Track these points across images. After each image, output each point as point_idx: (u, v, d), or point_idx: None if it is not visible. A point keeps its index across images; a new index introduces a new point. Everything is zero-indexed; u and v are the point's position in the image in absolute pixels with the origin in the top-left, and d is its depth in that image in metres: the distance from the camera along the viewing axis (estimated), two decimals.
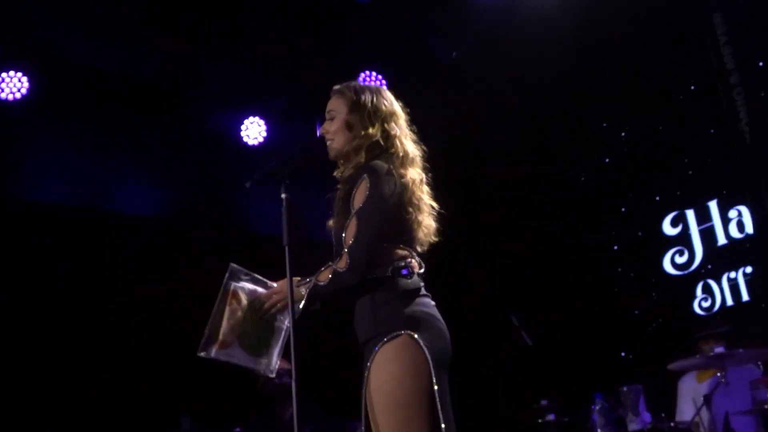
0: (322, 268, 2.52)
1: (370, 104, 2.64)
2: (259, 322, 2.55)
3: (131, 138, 5.65)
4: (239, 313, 2.53)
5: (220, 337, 2.51)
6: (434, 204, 2.67)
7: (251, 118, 6.36)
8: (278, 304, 2.59)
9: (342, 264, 2.47)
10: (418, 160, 2.68)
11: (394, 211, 2.52)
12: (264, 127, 6.38)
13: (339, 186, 2.64)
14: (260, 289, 2.61)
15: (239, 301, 2.55)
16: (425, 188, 2.65)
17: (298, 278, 2.56)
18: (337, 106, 2.69)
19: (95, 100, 5.54)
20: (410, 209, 2.56)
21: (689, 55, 5.93)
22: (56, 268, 5.19)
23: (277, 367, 2.60)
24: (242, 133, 6.34)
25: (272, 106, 6.17)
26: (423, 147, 2.72)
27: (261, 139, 6.34)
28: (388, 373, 2.39)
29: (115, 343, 5.25)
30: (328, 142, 2.68)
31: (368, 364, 2.44)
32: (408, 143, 2.67)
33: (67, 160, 5.50)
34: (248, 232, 5.95)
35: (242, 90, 6.10)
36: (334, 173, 2.71)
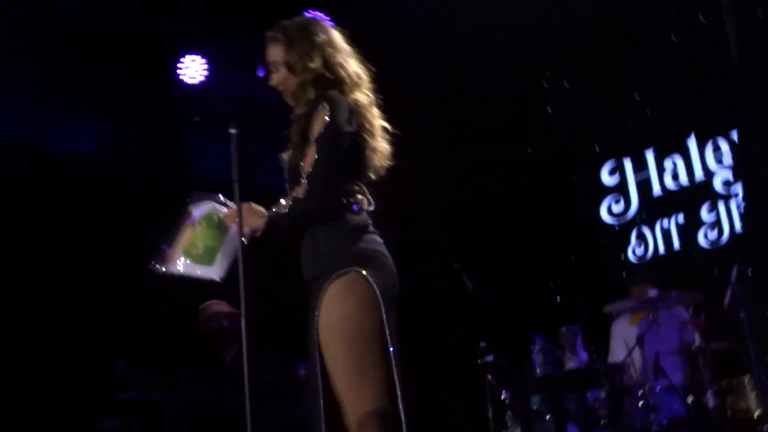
0: (281, 200, 2.51)
1: (304, 39, 2.60)
2: (210, 233, 2.56)
3: (73, 76, 5.40)
4: (189, 230, 2.56)
5: (171, 254, 2.56)
6: (386, 125, 2.64)
7: (191, 57, 6.14)
8: (234, 220, 2.55)
9: (301, 191, 2.46)
10: (366, 80, 2.64)
11: (350, 140, 2.50)
12: (205, 67, 6.17)
13: (293, 126, 2.61)
14: (220, 207, 2.61)
15: (192, 220, 2.56)
16: (375, 110, 2.62)
17: (260, 207, 2.55)
18: (275, 54, 2.65)
19: (38, 37, 5.29)
20: (364, 135, 2.55)
21: None
22: None
23: (223, 275, 2.59)
24: (180, 72, 6.12)
25: (215, 47, 5.98)
26: (369, 66, 2.67)
27: (202, 78, 6.11)
28: (338, 311, 2.41)
29: (48, 282, 5.09)
30: (282, 91, 2.67)
31: (318, 302, 2.44)
32: (352, 66, 2.63)
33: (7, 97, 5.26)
34: (194, 177, 5.78)
35: (185, 29, 5.89)
36: (291, 116, 2.67)
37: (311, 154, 2.46)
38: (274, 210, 2.52)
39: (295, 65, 2.60)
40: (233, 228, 2.54)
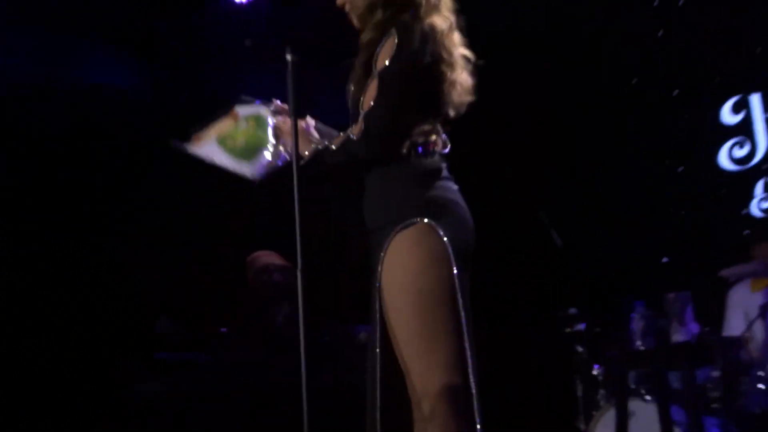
0: (340, 133, 2.51)
1: None
2: (255, 133, 2.60)
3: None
4: (230, 121, 2.59)
5: (200, 136, 2.60)
6: (468, 54, 2.58)
7: None
8: (285, 127, 2.58)
9: (356, 131, 2.46)
10: (447, 3, 2.58)
11: (425, 72, 2.46)
12: None
13: (359, 55, 2.58)
14: (272, 114, 2.65)
15: (235, 117, 2.60)
16: (456, 37, 2.56)
17: (316, 136, 2.57)
18: None
19: None
20: (442, 67, 2.49)
21: None
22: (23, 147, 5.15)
23: (256, 175, 2.62)
24: None
25: None
26: None
27: None
28: (403, 267, 2.40)
29: (84, 236, 5.24)
30: (348, 11, 2.64)
31: (381, 255, 2.43)
32: None
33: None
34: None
35: None
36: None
37: (373, 90, 2.44)
38: (325, 143, 2.53)
39: None
40: (282, 141, 2.57)
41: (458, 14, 2.58)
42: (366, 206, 2.55)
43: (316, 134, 2.61)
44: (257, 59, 3.95)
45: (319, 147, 2.54)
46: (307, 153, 2.55)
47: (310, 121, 2.66)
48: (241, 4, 5.73)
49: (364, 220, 2.55)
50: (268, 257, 4.67)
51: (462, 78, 2.55)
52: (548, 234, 4.86)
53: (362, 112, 2.46)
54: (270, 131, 2.60)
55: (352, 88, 2.57)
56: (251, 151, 2.59)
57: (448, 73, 2.50)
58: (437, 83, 2.49)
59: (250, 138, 2.59)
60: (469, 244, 2.50)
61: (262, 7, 5.48)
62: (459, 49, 2.56)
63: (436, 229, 2.40)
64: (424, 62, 2.44)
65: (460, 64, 2.55)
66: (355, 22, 2.63)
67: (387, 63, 2.43)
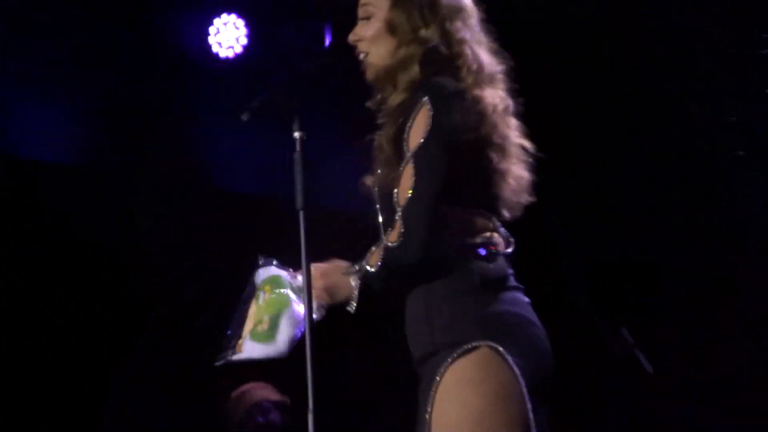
0: (373, 248, 2.09)
1: None
2: (274, 298, 2.25)
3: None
4: (254, 304, 2.28)
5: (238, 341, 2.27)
6: (526, 144, 2.17)
7: (225, 17, 5.49)
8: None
9: (394, 236, 2.02)
10: (500, 78, 2.16)
11: (469, 154, 2.04)
12: (244, 31, 5.58)
13: (381, 121, 2.15)
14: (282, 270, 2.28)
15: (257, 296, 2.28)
16: (512, 121, 2.14)
17: (342, 264, 2.15)
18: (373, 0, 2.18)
19: None
20: (491, 152, 2.07)
21: None
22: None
23: (287, 349, 2.23)
24: (211, 40, 5.44)
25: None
26: (508, 59, 2.17)
27: (239, 49, 5.47)
28: (461, 405, 1.98)
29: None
30: (361, 55, 2.19)
31: (431, 392, 2.00)
32: (483, 53, 2.16)
33: None
34: (229, 193, 4.87)
35: None
36: (368, 103, 2.21)
37: (408, 178, 2.01)
38: (358, 268, 2.10)
39: (400, 27, 2.12)
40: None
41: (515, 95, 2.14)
42: (410, 330, 2.11)
43: (337, 264, 2.17)
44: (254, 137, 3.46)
45: (358, 278, 2.09)
46: (347, 294, 2.11)
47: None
48: (227, 60, 4.98)
49: (409, 347, 2.11)
50: (261, 390, 3.87)
51: (517, 172, 2.14)
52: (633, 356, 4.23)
53: (399, 210, 2.02)
54: (289, 287, 2.23)
55: (378, 177, 2.14)
56: (274, 325, 2.20)
57: (497, 161, 2.09)
58: (482, 169, 2.07)
59: (270, 309, 2.21)
60: (547, 372, 2.08)
61: (251, 64, 4.79)
62: (515, 134, 2.14)
63: (504, 355, 1.98)
64: (464, 139, 2.02)
65: (515, 153, 2.14)
66: (369, 71, 2.19)
67: (421, 140, 2.00)
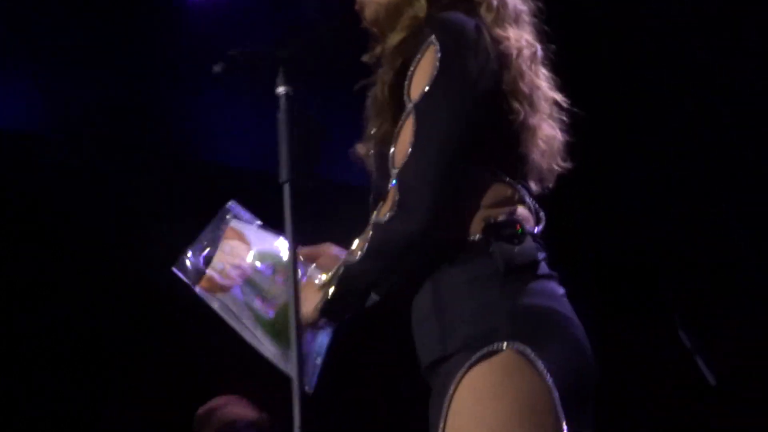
0: (355, 242, 1.78)
1: None
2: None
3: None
4: (241, 246, 1.95)
5: (209, 271, 1.93)
6: (559, 98, 1.85)
7: None
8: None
9: (386, 207, 1.70)
10: (527, 21, 1.84)
11: (488, 106, 1.71)
12: None
13: (379, 71, 1.84)
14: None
15: (242, 238, 1.94)
16: (541, 70, 1.82)
17: (333, 254, 1.86)
18: None
19: None
20: (516, 104, 1.74)
21: None
22: None
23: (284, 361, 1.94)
24: None
25: None
26: (538, 2, 1.86)
27: None
28: (478, 422, 1.67)
29: None
30: (361, 5, 1.89)
31: (443, 406, 1.70)
32: None
33: None
34: (203, 163, 4.63)
35: None
36: (364, 57, 1.91)
37: (407, 132, 1.69)
38: (342, 264, 1.79)
39: None
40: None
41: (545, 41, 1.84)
42: (417, 328, 1.79)
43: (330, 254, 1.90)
44: (232, 91, 3.14)
45: (338, 274, 1.76)
46: (314, 312, 1.80)
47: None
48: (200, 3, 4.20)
49: (417, 351, 1.79)
50: (234, 405, 3.49)
51: (548, 131, 1.81)
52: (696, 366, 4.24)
53: (393, 171, 1.70)
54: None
55: (372, 135, 1.84)
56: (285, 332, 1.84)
57: (524, 115, 1.74)
58: (505, 125, 1.74)
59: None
60: (586, 380, 1.75)
61: (233, 9, 4.16)
62: (545, 85, 1.82)
63: (532, 360, 1.67)
64: (480, 87, 1.69)
65: (545, 110, 1.81)
66: (366, 14, 1.88)
67: (426, 88, 1.67)
